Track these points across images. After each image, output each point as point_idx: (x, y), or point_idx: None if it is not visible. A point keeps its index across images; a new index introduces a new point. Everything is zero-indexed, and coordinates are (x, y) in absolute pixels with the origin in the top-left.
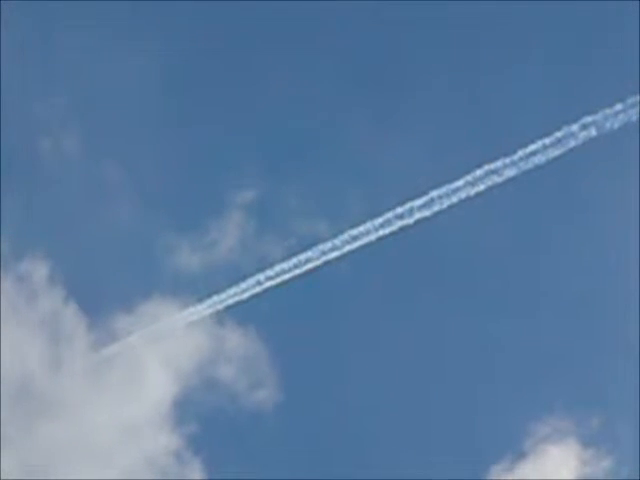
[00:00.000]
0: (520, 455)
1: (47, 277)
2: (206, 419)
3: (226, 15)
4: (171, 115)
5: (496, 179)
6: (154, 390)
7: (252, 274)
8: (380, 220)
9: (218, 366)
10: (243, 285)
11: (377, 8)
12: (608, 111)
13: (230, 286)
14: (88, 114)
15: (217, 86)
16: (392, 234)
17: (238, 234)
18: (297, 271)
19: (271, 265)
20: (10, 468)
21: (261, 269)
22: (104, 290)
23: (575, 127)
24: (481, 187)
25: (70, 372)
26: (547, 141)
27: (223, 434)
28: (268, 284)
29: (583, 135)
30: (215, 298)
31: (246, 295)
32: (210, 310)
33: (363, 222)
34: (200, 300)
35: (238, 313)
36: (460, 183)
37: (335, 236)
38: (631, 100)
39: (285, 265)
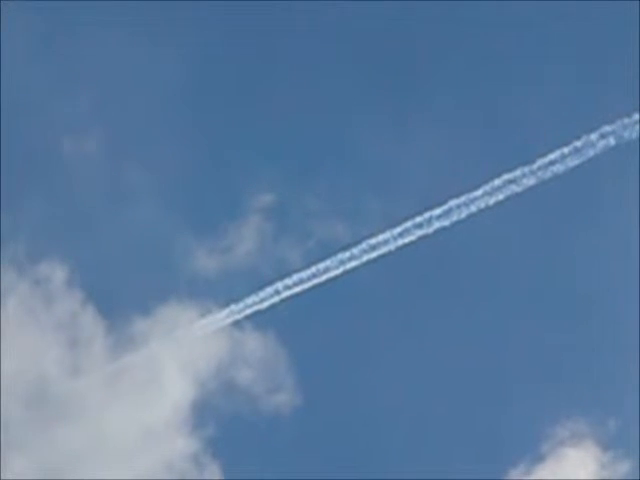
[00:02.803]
0: (538, 458)
1: (65, 280)
2: (224, 423)
3: (247, 20)
4: (191, 118)
5: (515, 188)
6: (172, 394)
7: (270, 278)
8: (399, 229)
9: (236, 370)
10: (262, 294)
11: (397, 14)
12: (627, 120)
13: (249, 293)
14: (110, 115)
15: (237, 90)
16: (411, 243)
17: (256, 238)
18: (316, 280)
19: (289, 269)
20: (27, 471)
21: (279, 273)
22: (122, 293)
23: (594, 136)
24: (500, 196)
25: (88, 375)
26: (566, 150)
27: (241, 438)
28: (287, 293)
29: (602, 144)
30: (234, 307)
31: (265, 305)
32: (229, 319)
33: (381, 225)
34: (218, 304)
35: (257, 317)
36: (479, 192)
37: (354, 240)
38: None
39: (304, 274)
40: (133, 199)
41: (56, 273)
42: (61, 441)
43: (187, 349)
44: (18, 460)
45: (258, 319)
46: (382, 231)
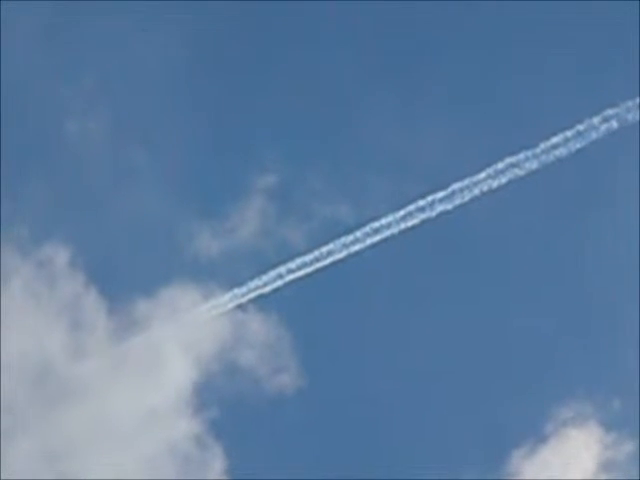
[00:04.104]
0: (541, 439)
1: (68, 262)
2: (227, 404)
3: (252, 2)
4: (193, 99)
5: (518, 172)
6: (175, 376)
7: (273, 259)
8: (402, 212)
9: (239, 351)
10: (265, 278)
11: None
12: (630, 103)
13: (252, 275)
14: (113, 98)
15: (241, 71)
16: (414, 226)
17: (259, 219)
18: (319, 264)
19: (292, 251)
20: (31, 455)
21: (282, 254)
22: (125, 275)
23: (597, 119)
24: (503, 180)
25: (91, 358)
26: (569, 134)
27: (244, 419)
28: (290, 277)
29: (605, 128)
30: (237, 291)
31: (268, 289)
32: (233, 304)
33: (385, 206)
34: (221, 285)
35: (259, 299)
36: (482, 176)
37: (357, 221)
38: None
39: (307, 257)
40: (136, 181)
41: (59, 255)
42: (64, 423)
43: (190, 331)
44: (21, 442)
45: (261, 301)
46: (385, 213)
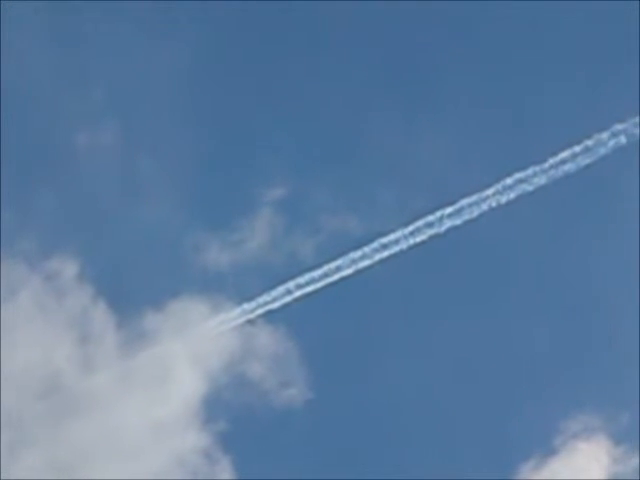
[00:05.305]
0: (550, 452)
1: (76, 275)
2: (235, 417)
3: (260, 13)
4: (203, 112)
5: (526, 187)
6: (183, 388)
7: (282, 272)
8: (410, 228)
9: (248, 364)
10: (274, 293)
11: (413, 8)
12: (638, 119)
13: (260, 288)
14: (123, 109)
15: (249, 83)
16: (422, 242)
17: (268, 232)
18: (327, 279)
19: (301, 263)
20: (39, 467)
21: (291, 266)
22: (133, 288)
23: (605, 135)
24: (511, 195)
25: (99, 370)
26: (577, 149)
27: (252, 432)
28: (299, 292)
29: (613, 143)
30: (246, 306)
31: (277, 304)
32: (241, 319)
33: (393, 219)
34: (230, 298)
35: (268, 312)
36: (490, 191)
37: (365, 233)
38: None
39: (316, 273)
40: (145, 193)
41: (67, 268)
42: (72, 436)
43: (198, 344)
44: (29, 455)
45: (269, 314)
46: (393, 226)
